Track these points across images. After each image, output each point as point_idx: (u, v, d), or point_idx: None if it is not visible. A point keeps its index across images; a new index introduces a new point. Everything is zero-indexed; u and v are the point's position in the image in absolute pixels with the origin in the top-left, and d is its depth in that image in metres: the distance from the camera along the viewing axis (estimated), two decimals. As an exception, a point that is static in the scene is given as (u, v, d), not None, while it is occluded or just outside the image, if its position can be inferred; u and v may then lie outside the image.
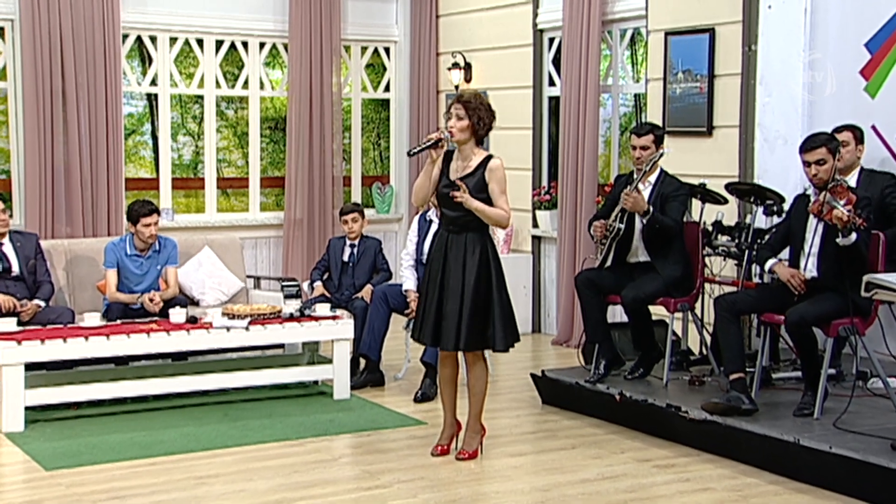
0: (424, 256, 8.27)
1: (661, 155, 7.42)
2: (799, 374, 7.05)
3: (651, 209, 7.29)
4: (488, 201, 6.27)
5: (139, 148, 15.35)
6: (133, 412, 7.57)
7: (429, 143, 6.31)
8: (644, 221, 7.35)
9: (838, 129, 7.32)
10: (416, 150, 6.41)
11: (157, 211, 8.44)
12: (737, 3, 8.50)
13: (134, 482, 6.07)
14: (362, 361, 8.58)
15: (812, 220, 6.68)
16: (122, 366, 8.09)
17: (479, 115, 6.29)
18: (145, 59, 12.99)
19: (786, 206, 7.37)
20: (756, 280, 7.54)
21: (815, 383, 6.59)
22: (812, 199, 6.64)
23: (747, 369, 6.85)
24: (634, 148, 7.53)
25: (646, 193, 7.48)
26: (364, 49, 12.12)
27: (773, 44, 8.29)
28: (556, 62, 10.56)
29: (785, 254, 6.98)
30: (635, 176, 7.49)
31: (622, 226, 7.49)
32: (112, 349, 7.46)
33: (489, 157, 6.33)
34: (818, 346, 6.68)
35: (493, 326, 6.31)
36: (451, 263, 6.35)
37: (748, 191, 7.78)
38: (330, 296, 8.92)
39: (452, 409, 6.63)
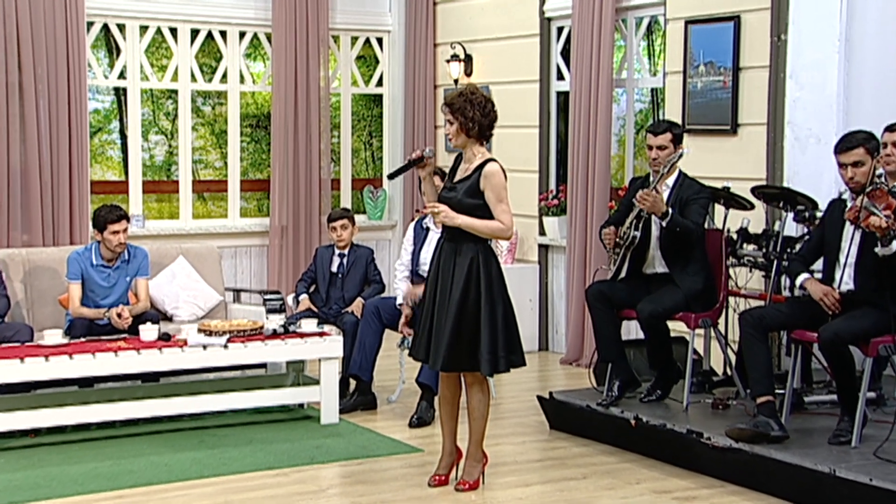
0: (420, 267, 8.30)
1: (680, 156, 7.42)
2: (834, 397, 7.02)
3: (670, 210, 7.28)
4: (483, 207, 6.27)
5: (106, 148, 15.34)
6: (98, 440, 7.53)
7: (408, 164, 6.42)
8: (663, 224, 7.34)
9: (891, 127, 7.24)
10: (394, 173, 6.54)
11: (126, 217, 8.41)
12: (764, -12, 8.51)
13: (99, 517, 6.05)
14: (352, 382, 8.57)
15: (848, 228, 6.66)
16: (86, 388, 8.05)
17: (465, 115, 6.29)
18: (112, 50, 13.01)
19: (819, 213, 7.38)
20: (786, 293, 7.52)
21: (852, 408, 6.56)
22: (849, 204, 6.60)
23: (776, 392, 6.83)
24: (650, 148, 7.53)
25: (663, 197, 7.44)
26: (354, 39, 12.12)
27: (805, 32, 8.29)
28: (566, 54, 10.56)
29: (819, 265, 6.94)
30: (652, 179, 7.49)
31: (637, 233, 7.50)
32: (75, 370, 7.42)
33: (486, 161, 6.32)
34: (855, 366, 6.65)
35: (481, 346, 6.29)
36: (443, 274, 6.38)
37: (777, 195, 7.77)
38: (317, 310, 8.92)
39: (452, 434, 6.62)
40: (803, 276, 6.85)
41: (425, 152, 6.44)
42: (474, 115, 6.28)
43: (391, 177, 6.57)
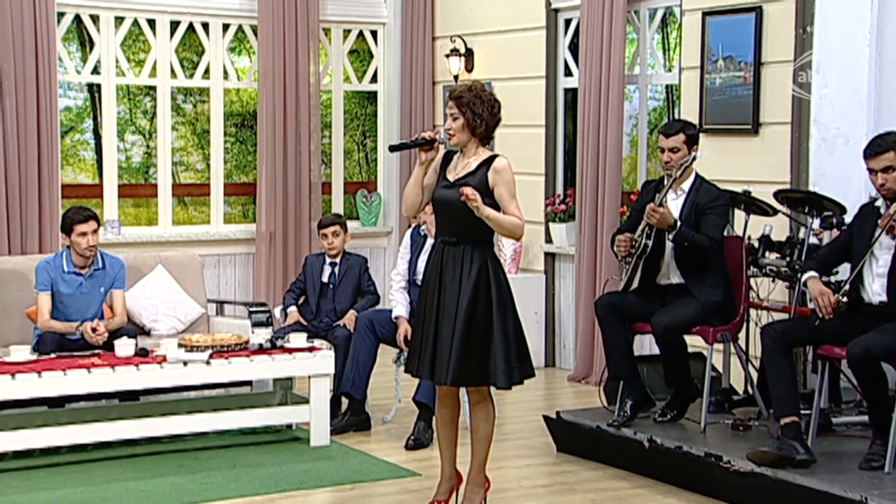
0: (418, 277, 8.29)
1: (694, 158, 7.45)
2: (865, 418, 7.03)
3: (678, 223, 7.26)
4: (491, 206, 6.24)
5: (78, 148, 15.31)
6: (69, 464, 7.51)
7: (418, 141, 6.32)
8: (670, 239, 7.36)
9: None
10: (398, 145, 6.45)
11: (94, 217, 8.40)
12: (788, -24, 8.52)
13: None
14: (345, 401, 8.58)
15: (883, 237, 6.62)
16: (56, 408, 8.02)
17: (474, 110, 6.27)
18: (85, 43, 12.98)
19: (847, 218, 7.37)
20: (811, 305, 7.49)
21: (884, 430, 6.55)
22: (882, 210, 6.59)
23: (802, 412, 6.82)
24: (662, 150, 7.56)
25: (678, 203, 7.52)
26: (347, 32, 12.13)
27: (832, 24, 8.27)
28: (574, 48, 10.58)
29: (844, 272, 6.92)
30: (665, 183, 7.47)
31: (650, 241, 7.50)
32: (45, 388, 7.40)
33: (494, 157, 6.32)
34: (888, 384, 6.63)
35: (494, 358, 6.25)
36: (446, 281, 6.33)
37: (802, 200, 7.79)
38: (306, 323, 8.92)
39: (452, 457, 6.59)
40: (809, 273, 6.86)
41: (439, 136, 6.33)
42: (483, 112, 6.27)
43: (393, 149, 6.44)
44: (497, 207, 6.24)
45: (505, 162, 6.29)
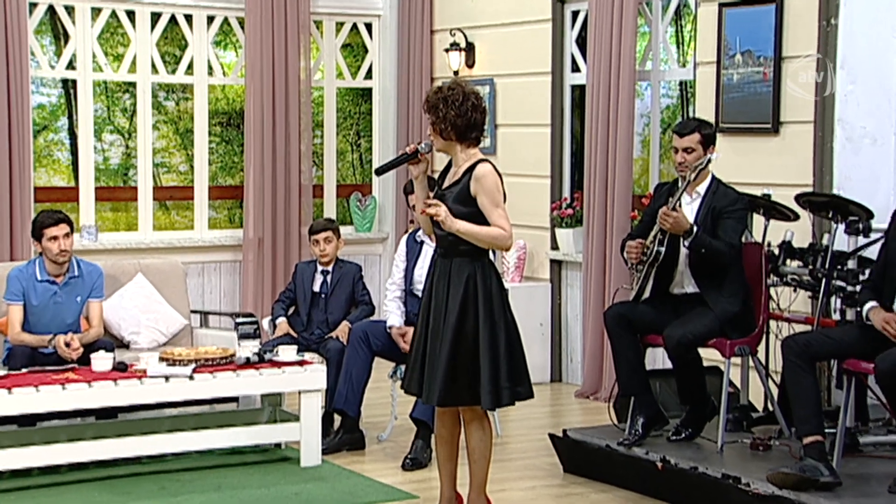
0: (415, 286, 8.35)
1: (710, 160, 7.44)
2: (894, 437, 7.06)
3: (695, 228, 7.25)
4: (477, 216, 6.28)
5: (53, 149, 15.28)
6: (42, 487, 7.49)
7: (402, 158, 6.42)
8: (686, 245, 7.34)
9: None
10: (383, 167, 6.56)
11: (65, 220, 8.40)
12: (811, -36, 8.53)
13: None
14: (337, 418, 8.58)
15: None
16: (27, 427, 7.98)
17: (438, 113, 6.33)
18: (60, 36, 12.94)
19: (875, 223, 7.37)
20: (836, 317, 7.48)
21: (915, 450, 6.53)
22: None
23: (826, 431, 6.80)
24: (676, 151, 7.56)
25: (693, 207, 7.52)
26: (339, 25, 12.15)
27: (858, 16, 8.31)
28: (582, 42, 10.57)
29: None
30: (679, 185, 7.47)
31: (663, 248, 7.50)
32: (15, 406, 7.38)
33: (477, 163, 6.34)
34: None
35: (481, 376, 6.29)
36: (436, 295, 6.40)
37: (825, 204, 7.78)
38: (297, 335, 8.93)
39: (451, 478, 6.63)
40: (869, 304, 6.83)
41: (420, 146, 6.42)
42: (447, 114, 6.30)
43: (379, 172, 6.55)
44: (480, 215, 6.26)
45: (487, 168, 6.30)
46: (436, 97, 6.32)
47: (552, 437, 8.08)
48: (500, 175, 6.33)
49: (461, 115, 6.30)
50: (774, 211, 7.99)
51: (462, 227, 6.22)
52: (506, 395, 6.32)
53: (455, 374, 6.27)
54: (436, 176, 6.69)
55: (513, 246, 6.41)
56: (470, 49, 11.50)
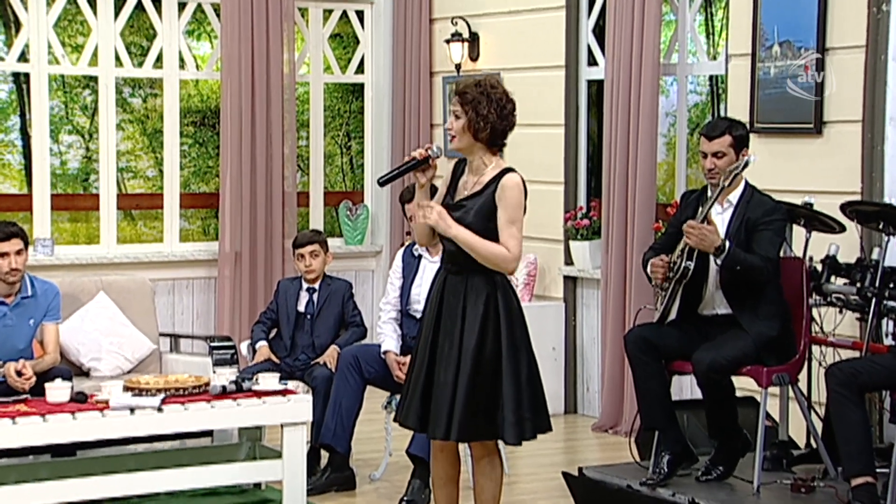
0: (412, 306, 8.37)
1: (746, 164, 7.43)
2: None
3: (728, 245, 7.23)
4: (494, 232, 6.27)
5: (2, 151, 15.29)
6: (-7, 531, 7.49)
7: (408, 165, 6.41)
8: (718, 262, 7.34)
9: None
10: (387, 177, 6.52)
11: (18, 234, 8.42)
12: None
13: None
14: (325, 455, 8.60)
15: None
16: (-24, 465, 7.98)
17: (478, 110, 6.32)
18: (10, 24, 12.96)
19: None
20: (887, 341, 7.48)
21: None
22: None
23: (878, 471, 6.81)
24: (705, 155, 7.55)
25: (724, 218, 7.52)
26: (328, 13, 12.20)
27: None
28: (600, 32, 10.60)
29: None
30: (709, 194, 7.47)
31: (691, 263, 7.48)
32: (-38, 441, 7.37)
33: (505, 171, 6.35)
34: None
35: (503, 408, 6.28)
36: (445, 316, 6.38)
37: (875, 213, 7.81)
38: (279, 361, 8.95)
39: (453, 525, 6.63)
40: None
41: (432, 151, 6.39)
42: (489, 113, 6.30)
43: (383, 181, 6.52)
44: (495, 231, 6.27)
45: (516, 179, 6.33)
46: (477, 91, 6.29)
47: (566, 475, 8.07)
48: (526, 191, 6.34)
49: (502, 117, 6.34)
50: (817, 222, 7.98)
51: (460, 233, 6.23)
52: (528, 427, 6.33)
53: (474, 406, 6.26)
54: (437, 183, 6.67)
55: (516, 271, 6.40)
56: (474, 40, 11.56)
